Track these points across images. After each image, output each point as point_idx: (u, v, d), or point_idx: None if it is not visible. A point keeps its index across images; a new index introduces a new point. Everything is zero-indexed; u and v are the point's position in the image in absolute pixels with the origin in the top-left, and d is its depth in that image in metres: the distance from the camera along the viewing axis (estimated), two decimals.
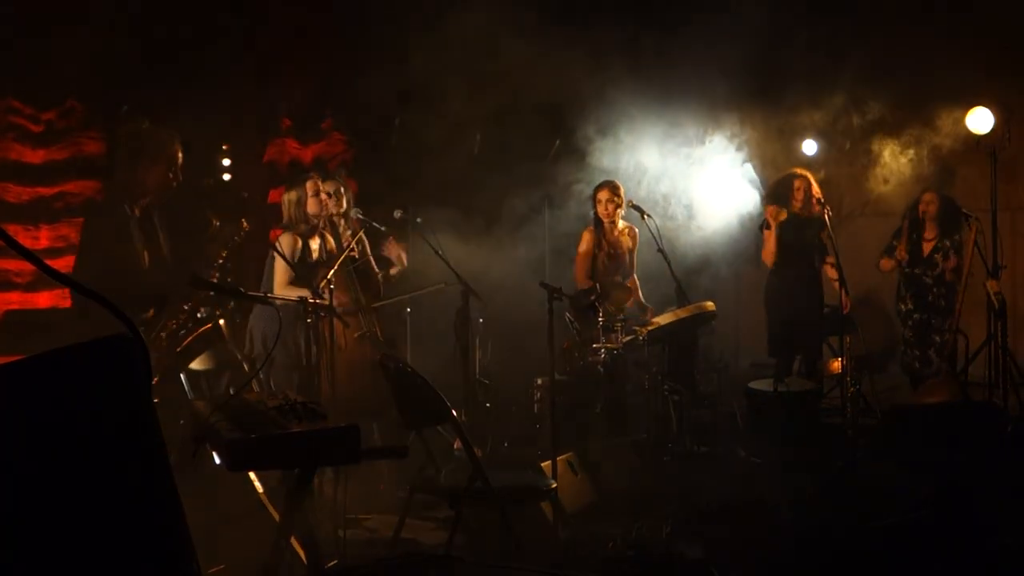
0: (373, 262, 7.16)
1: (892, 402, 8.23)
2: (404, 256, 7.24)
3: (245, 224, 5.61)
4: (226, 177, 8.03)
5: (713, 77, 8.20)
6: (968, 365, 8.11)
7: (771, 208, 7.98)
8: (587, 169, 8.34)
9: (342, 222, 6.84)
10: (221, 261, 5.52)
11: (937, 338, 8.03)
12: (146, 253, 5.47)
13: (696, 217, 8.51)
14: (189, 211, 5.71)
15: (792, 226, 7.94)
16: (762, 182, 8.53)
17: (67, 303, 6.37)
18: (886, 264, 8.32)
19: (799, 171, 8.10)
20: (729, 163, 8.49)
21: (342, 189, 7.00)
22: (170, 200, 5.67)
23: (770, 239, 7.92)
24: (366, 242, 7.16)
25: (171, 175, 5.57)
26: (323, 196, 6.47)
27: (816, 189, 7.92)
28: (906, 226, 8.22)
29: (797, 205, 7.93)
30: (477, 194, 8.45)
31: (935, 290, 8.07)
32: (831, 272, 7.84)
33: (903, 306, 8.28)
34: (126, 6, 6.83)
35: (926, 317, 8.12)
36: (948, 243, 8.07)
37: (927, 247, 8.14)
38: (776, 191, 8.12)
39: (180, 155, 5.63)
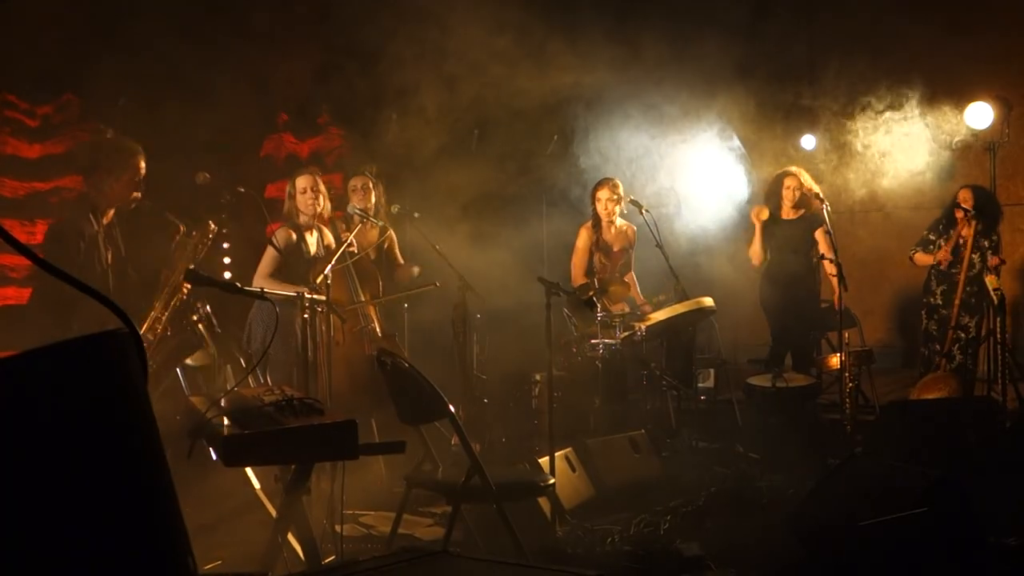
0: (399, 257, 7.21)
1: (890, 397, 8.24)
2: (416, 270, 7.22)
3: (213, 226, 5.56)
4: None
5: (710, 69, 8.20)
6: (967, 360, 8.11)
7: (755, 208, 8.02)
8: (584, 164, 8.34)
9: (353, 217, 6.72)
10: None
11: (963, 334, 7.99)
12: (110, 269, 5.46)
13: (690, 210, 8.51)
14: (154, 219, 5.64)
15: (785, 224, 7.96)
16: (744, 146, 8.54)
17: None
18: (921, 259, 8.22)
19: (791, 169, 8.10)
20: (720, 150, 8.49)
21: (371, 184, 6.99)
22: (135, 209, 5.62)
23: (755, 238, 7.97)
24: (394, 239, 7.18)
25: (134, 188, 5.51)
26: (309, 194, 6.40)
27: (810, 185, 7.93)
28: (969, 228, 7.97)
29: (788, 204, 7.95)
30: (474, 189, 8.44)
31: (968, 288, 7.98)
32: (830, 268, 7.85)
33: (931, 299, 8.20)
34: (120, 2, 6.81)
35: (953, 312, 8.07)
36: (986, 242, 7.94)
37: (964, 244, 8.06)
38: (768, 191, 8.15)
39: (143, 167, 5.57)
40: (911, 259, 8.25)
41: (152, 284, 5.54)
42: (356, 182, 7.01)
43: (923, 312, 8.28)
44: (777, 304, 8.09)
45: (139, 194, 5.52)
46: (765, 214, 7.93)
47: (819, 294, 8.28)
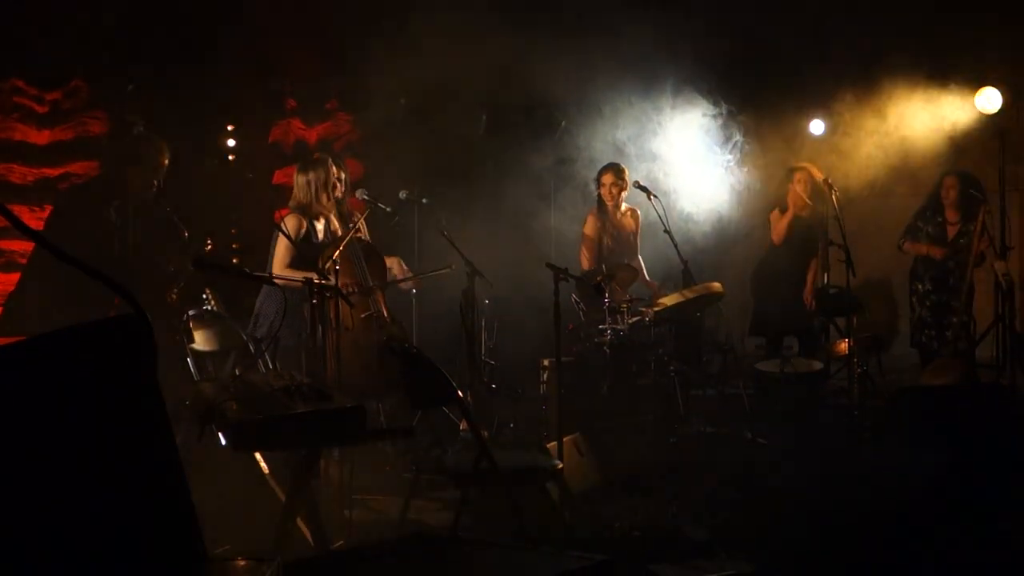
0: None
1: (899, 383, 8.22)
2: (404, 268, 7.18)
3: (210, 243, 5.71)
4: (230, 157, 8.02)
5: (715, 53, 8.18)
6: (976, 346, 8.09)
7: (797, 197, 7.99)
8: (590, 149, 8.33)
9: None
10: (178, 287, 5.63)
11: (955, 319, 8.00)
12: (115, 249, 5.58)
13: (696, 195, 8.51)
14: (163, 218, 5.78)
15: (794, 219, 8.00)
16: (751, 132, 8.57)
17: None
18: (911, 247, 8.23)
19: (798, 164, 8.15)
20: (727, 135, 8.49)
21: (344, 174, 7.03)
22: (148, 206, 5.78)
23: (783, 221, 7.99)
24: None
25: (155, 182, 5.64)
26: (335, 181, 6.47)
27: (819, 176, 7.94)
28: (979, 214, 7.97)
29: (801, 199, 7.98)
30: (483, 175, 8.43)
31: (956, 273, 8.02)
32: (834, 255, 7.89)
33: (920, 286, 8.23)
34: None
35: (945, 299, 8.10)
36: (972, 228, 7.94)
37: (951, 231, 8.07)
38: (778, 187, 8.20)
39: (166, 163, 5.69)
40: (900, 247, 8.28)
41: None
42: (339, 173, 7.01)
43: (913, 299, 8.31)
44: (775, 288, 8.18)
45: (156, 189, 5.66)
46: (805, 211, 7.97)
47: (803, 292, 8.33)
